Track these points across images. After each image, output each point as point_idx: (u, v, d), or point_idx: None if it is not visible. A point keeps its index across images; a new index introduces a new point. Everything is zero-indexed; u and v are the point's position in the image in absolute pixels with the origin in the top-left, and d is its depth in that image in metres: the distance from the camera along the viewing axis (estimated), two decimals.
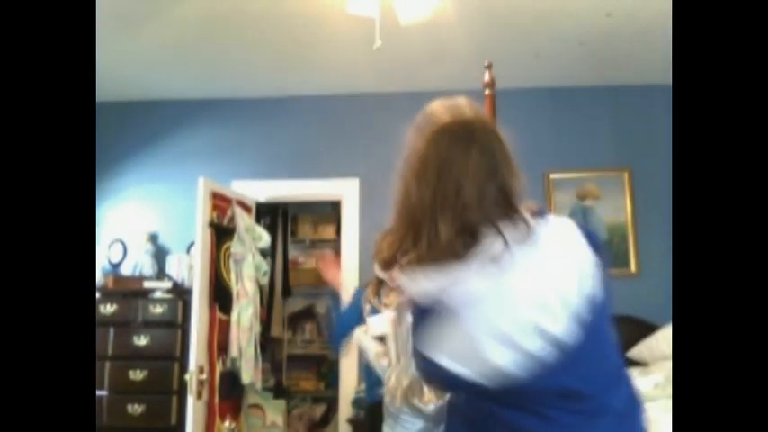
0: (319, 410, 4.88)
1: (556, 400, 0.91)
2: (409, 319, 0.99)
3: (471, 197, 0.89)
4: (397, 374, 1.87)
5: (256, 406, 3.89)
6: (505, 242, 0.88)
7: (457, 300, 0.87)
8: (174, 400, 3.39)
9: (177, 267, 3.81)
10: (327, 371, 5.01)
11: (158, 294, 3.59)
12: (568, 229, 0.98)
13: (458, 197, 0.89)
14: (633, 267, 3.82)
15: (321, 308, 5.28)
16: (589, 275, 0.93)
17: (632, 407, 0.99)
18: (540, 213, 0.97)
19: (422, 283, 0.89)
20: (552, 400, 0.91)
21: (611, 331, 0.97)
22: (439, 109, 1.07)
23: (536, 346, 0.87)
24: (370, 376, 2.45)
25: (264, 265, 3.63)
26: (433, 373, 0.92)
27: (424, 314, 0.92)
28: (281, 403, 4.03)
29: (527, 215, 0.94)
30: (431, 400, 1.84)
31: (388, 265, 0.93)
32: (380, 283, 2.53)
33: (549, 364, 0.87)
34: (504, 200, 0.92)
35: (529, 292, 0.88)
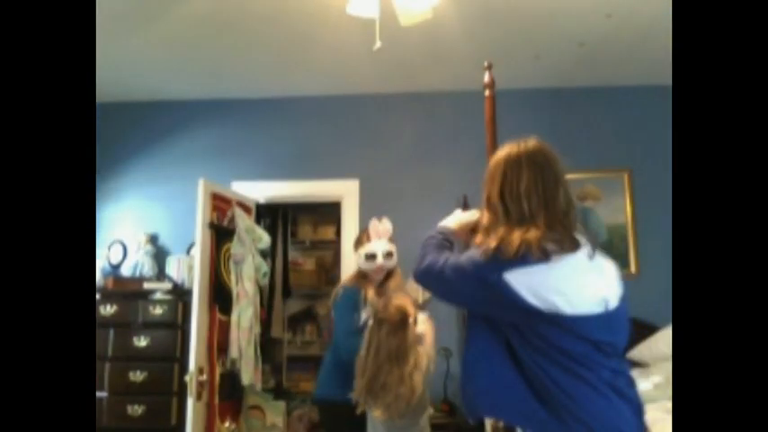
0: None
1: (594, 353, 1.29)
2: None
3: (573, 216, 1.38)
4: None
5: (256, 407, 3.89)
6: (592, 247, 1.35)
7: (561, 267, 1.28)
8: (174, 401, 3.39)
9: (177, 268, 3.81)
10: None
11: (158, 295, 3.59)
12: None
13: (567, 216, 1.36)
14: (633, 268, 3.82)
15: (321, 309, 5.28)
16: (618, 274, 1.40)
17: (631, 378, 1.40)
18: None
19: (545, 249, 1.28)
20: (592, 354, 1.28)
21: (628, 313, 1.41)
22: (533, 144, 1.49)
23: (597, 309, 1.29)
24: (335, 374, 2.40)
25: (264, 266, 3.62)
26: (507, 297, 1.27)
27: (520, 264, 1.27)
28: (281, 404, 4.02)
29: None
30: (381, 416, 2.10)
31: (521, 249, 1.28)
32: (363, 276, 2.51)
33: (597, 323, 1.28)
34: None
35: (601, 277, 1.35)
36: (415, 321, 2.16)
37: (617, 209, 3.91)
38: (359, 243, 2.53)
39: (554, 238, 1.29)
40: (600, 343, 1.30)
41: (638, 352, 3.45)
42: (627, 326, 1.41)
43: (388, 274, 2.50)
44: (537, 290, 1.26)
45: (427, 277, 1.45)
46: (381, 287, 2.47)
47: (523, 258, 1.26)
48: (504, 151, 1.48)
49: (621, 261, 3.84)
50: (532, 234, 1.28)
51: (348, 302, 2.43)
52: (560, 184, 1.39)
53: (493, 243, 1.31)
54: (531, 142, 1.48)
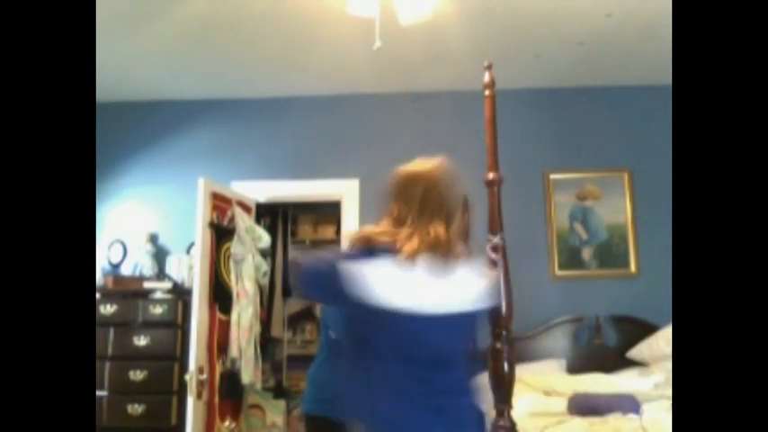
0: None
1: (428, 354, 1.41)
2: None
3: (451, 233, 1.48)
4: None
5: (256, 406, 3.89)
6: (444, 264, 1.43)
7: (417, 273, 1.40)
8: (174, 400, 3.39)
9: (177, 268, 3.81)
10: None
11: (158, 295, 3.59)
12: (477, 267, 1.52)
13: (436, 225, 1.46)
14: (633, 267, 3.82)
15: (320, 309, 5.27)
16: (480, 293, 1.48)
17: (469, 375, 1.50)
18: (470, 253, 1.52)
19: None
20: (425, 355, 1.41)
21: (478, 327, 1.54)
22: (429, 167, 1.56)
23: (442, 310, 1.40)
24: (321, 387, 2.30)
25: (264, 266, 3.62)
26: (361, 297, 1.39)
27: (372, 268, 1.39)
28: (282, 403, 4.03)
29: (461, 252, 1.47)
30: None
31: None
32: None
33: (438, 322, 1.39)
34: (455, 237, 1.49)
35: (450, 287, 1.43)
36: None
37: (617, 209, 3.91)
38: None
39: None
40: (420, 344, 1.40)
41: (637, 351, 3.46)
42: (468, 337, 1.50)
43: None
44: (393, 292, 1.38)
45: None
46: None
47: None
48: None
49: (621, 261, 3.84)
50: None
51: None
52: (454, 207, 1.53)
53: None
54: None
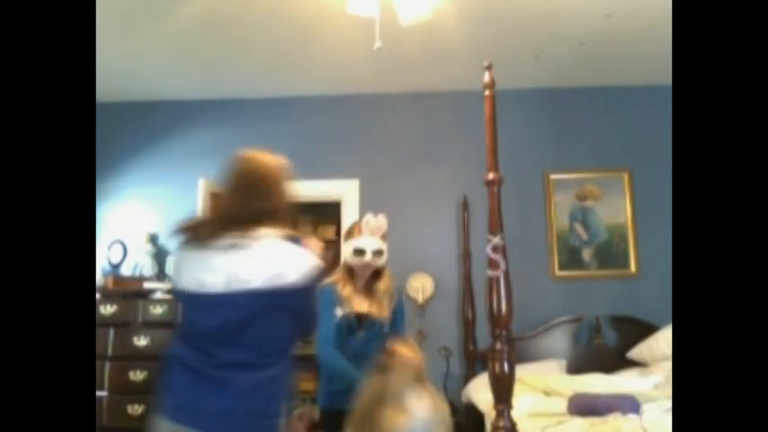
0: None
1: (215, 330, 1.52)
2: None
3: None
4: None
5: None
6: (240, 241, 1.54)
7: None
8: None
9: None
10: None
11: (158, 295, 3.59)
12: (286, 249, 1.59)
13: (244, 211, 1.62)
14: (633, 268, 3.82)
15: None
16: (274, 273, 1.52)
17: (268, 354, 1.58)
18: (288, 237, 1.61)
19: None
20: (213, 331, 1.52)
21: (285, 315, 1.59)
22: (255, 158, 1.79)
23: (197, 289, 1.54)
24: (331, 382, 2.29)
25: None
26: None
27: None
28: None
29: (263, 233, 1.56)
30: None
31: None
32: (349, 272, 2.30)
33: (228, 301, 1.50)
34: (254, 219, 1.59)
35: (246, 262, 1.52)
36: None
37: (617, 209, 3.91)
38: (349, 235, 2.37)
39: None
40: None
41: (637, 351, 3.46)
42: (268, 326, 1.55)
43: (377, 274, 2.34)
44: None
45: None
46: (369, 286, 2.33)
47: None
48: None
49: (621, 261, 3.84)
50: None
51: (326, 303, 2.18)
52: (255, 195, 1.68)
53: None
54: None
